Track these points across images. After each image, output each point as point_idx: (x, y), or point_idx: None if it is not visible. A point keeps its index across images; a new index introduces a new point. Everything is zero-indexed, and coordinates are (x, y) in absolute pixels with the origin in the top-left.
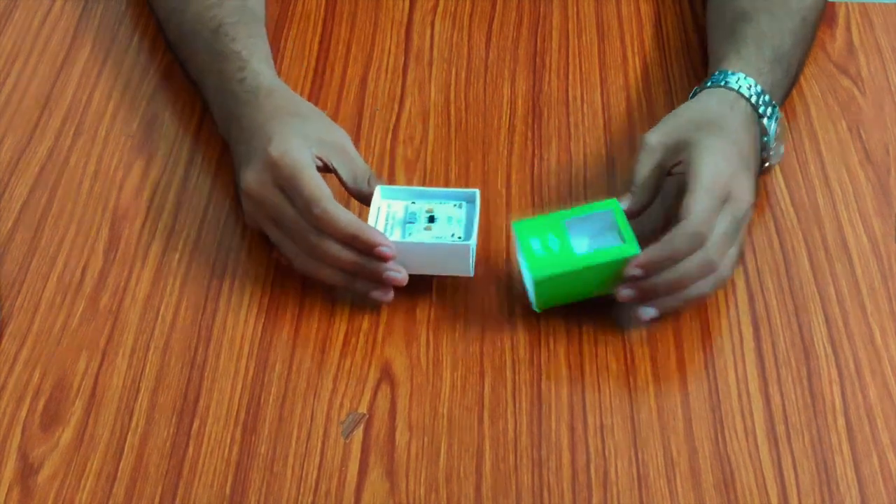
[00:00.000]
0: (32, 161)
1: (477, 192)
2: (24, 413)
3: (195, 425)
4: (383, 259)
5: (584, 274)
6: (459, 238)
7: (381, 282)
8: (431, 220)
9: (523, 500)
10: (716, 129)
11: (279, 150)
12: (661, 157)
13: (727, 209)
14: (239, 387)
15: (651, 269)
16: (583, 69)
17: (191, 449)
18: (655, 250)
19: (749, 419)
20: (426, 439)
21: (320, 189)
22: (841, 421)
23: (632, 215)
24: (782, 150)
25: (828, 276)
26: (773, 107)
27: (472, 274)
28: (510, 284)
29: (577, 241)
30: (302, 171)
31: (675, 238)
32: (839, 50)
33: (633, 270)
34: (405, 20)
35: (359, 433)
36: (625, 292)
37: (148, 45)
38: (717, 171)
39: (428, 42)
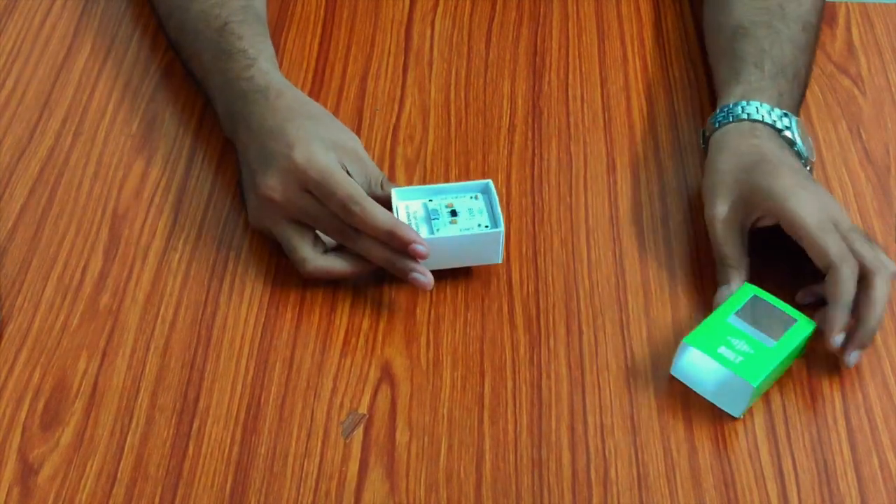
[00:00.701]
0: (32, 161)
1: (489, 181)
2: (24, 413)
3: (195, 425)
4: (416, 257)
5: (784, 362)
6: (486, 227)
7: (407, 281)
8: (454, 213)
9: (523, 500)
10: (765, 166)
11: (304, 155)
12: (738, 222)
13: (840, 229)
14: (239, 387)
15: (842, 327)
16: (583, 69)
17: (191, 449)
18: (835, 314)
19: (749, 419)
20: (426, 439)
21: (355, 188)
22: (841, 421)
23: None
24: (811, 142)
25: None
26: (787, 116)
27: (500, 260)
28: (510, 284)
29: (755, 334)
30: (333, 174)
31: (839, 289)
32: (839, 50)
33: (837, 341)
34: (405, 20)
35: (359, 433)
36: (853, 358)
37: (148, 45)
38: (809, 206)
39: (428, 42)
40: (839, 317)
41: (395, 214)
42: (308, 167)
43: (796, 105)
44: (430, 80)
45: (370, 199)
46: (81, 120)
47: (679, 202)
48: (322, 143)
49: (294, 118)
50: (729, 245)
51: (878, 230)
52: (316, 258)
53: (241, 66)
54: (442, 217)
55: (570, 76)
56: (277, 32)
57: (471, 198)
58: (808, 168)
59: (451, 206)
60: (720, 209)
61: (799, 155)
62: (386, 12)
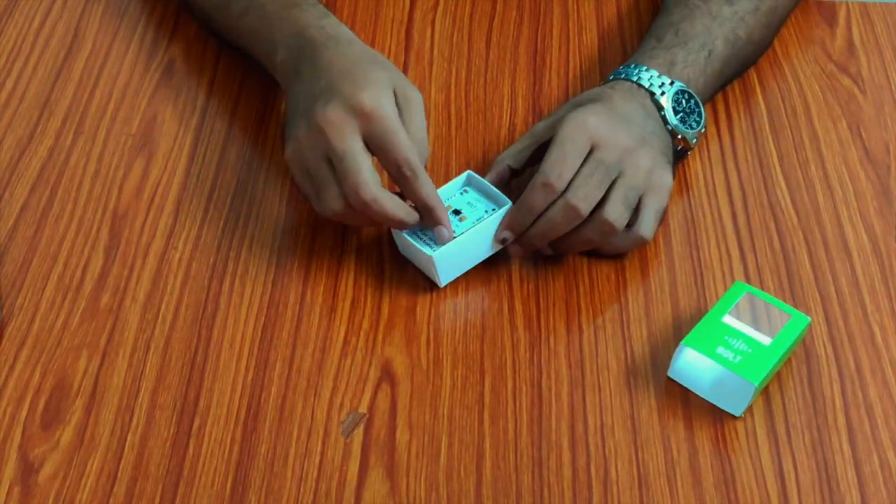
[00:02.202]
0: (32, 161)
1: (469, 172)
2: (24, 413)
3: (195, 425)
4: (437, 237)
5: (782, 358)
6: (494, 209)
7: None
8: (457, 213)
9: (523, 500)
10: (589, 102)
11: (372, 102)
12: (540, 137)
13: (593, 156)
14: (239, 387)
15: (518, 228)
16: (583, 68)
17: (191, 448)
18: (515, 210)
19: (749, 419)
20: (426, 439)
21: (413, 152)
22: (841, 420)
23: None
24: (700, 125)
25: (828, 276)
26: (673, 83)
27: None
28: (510, 284)
29: (751, 332)
30: (397, 132)
31: (529, 193)
32: (839, 49)
33: (504, 234)
34: (405, 19)
35: (359, 433)
36: (514, 249)
37: (148, 45)
38: (578, 124)
39: (428, 41)
40: (513, 217)
41: (404, 248)
42: (373, 115)
43: (706, 75)
44: (430, 80)
45: (423, 169)
46: (82, 119)
47: (679, 201)
48: (390, 94)
49: (366, 64)
50: (513, 147)
51: (878, 229)
52: (377, 185)
53: (314, 16)
54: (451, 221)
55: (571, 75)
56: None
57: (461, 194)
58: (678, 136)
59: (451, 208)
60: (541, 127)
61: (665, 121)
62: (386, 12)
